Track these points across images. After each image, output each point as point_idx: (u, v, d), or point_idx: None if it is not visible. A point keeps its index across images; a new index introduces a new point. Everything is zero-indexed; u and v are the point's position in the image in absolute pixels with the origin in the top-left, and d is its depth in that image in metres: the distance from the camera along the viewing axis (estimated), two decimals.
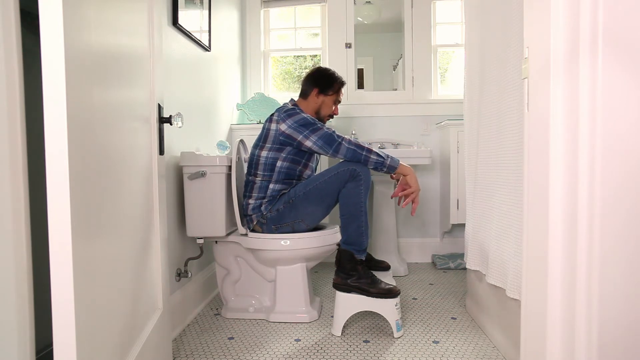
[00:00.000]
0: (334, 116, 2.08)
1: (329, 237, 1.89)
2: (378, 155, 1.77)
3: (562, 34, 0.80)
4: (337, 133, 1.81)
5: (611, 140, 0.77)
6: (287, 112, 1.87)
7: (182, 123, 1.30)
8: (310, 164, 1.94)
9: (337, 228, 1.96)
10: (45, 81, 0.70)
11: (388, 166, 1.77)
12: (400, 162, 1.80)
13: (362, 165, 1.76)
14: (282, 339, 1.69)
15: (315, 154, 1.95)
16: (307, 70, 2.50)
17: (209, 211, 1.82)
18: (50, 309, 0.72)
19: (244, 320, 1.89)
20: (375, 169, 1.79)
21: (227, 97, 2.63)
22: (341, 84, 2.03)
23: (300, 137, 1.82)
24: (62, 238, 0.71)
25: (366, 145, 1.79)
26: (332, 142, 1.79)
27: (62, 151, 0.70)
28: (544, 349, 0.86)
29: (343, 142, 1.78)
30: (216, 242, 1.96)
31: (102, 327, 0.86)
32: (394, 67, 3.09)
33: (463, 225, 2.70)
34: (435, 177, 2.95)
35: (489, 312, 1.68)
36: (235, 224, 1.99)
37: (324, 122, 2.02)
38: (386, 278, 1.83)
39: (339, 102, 2.06)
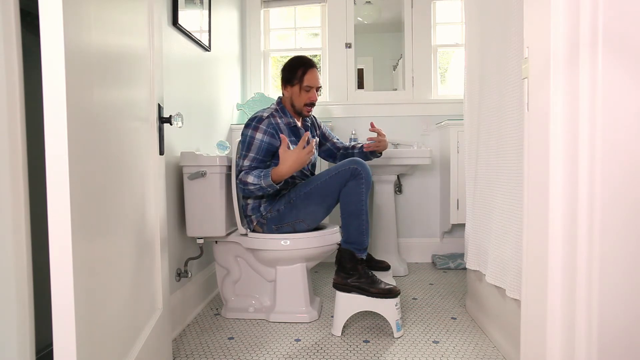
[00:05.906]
0: (314, 103, 1.92)
1: (329, 237, 1.88)
2: (254, 184, 1.73)
3: (562, 34, 0.80)
4: (252, 173, 1.75)
5: (611, 140, 0.77)
6: (248, 120, 1.87)
7: (182, 123, 1.30)
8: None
9: (337, 228, 1.96)
10: (45, 81, 0.70)
11: (269, 184, 1.72)
12: (272, 169, 1.73)
13: (362, 164, 1.76)
14: (282, 339, 1.69)
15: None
16: None
17: (209, 211, 1.82)
18: (50, 309, 0.72)
19: (244, 320, 1.89)
20: (260, 189, 1.75)
21: (227, 97, 2.63)
22: (303, 69, 1.87)
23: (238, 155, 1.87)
24: (62, 238, 0.71)
25: (251, 182, 1.73)
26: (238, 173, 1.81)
27: (62, 151, 0.70)
28: (544, 349, 0.86)
29: (242, 178, 1.76)
30: (216, 242, 1.96)
31: (102, 327, 0.86)
32: (394, 67, 3.09)
33: (463, 225, 2.69)
34: (435, 177, 2.95)
35: (489, 312, 1.68)
36: (235, 224, 1.99)
37: (303, 114, 1.93)
38: (386, 278, 1.83)
39: (311, 87, 1.88)
